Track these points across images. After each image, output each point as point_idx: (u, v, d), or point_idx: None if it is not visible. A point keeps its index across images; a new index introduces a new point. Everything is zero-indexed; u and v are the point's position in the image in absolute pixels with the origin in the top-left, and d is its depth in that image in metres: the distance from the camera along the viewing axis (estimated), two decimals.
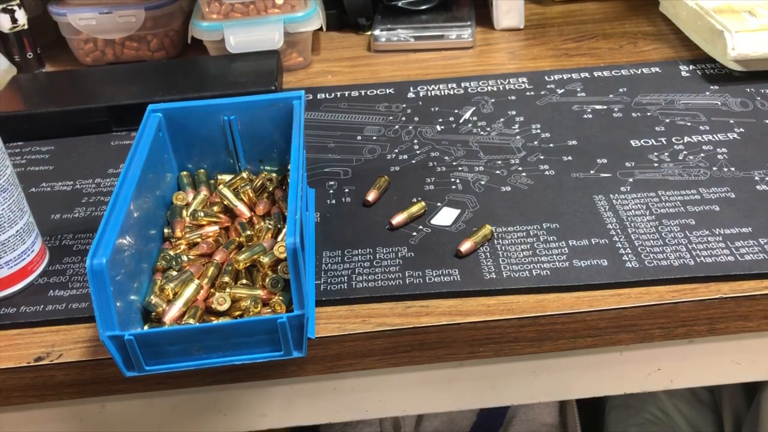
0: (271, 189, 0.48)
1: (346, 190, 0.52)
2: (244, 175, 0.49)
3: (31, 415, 0.46)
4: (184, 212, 0.46)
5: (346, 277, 0.44)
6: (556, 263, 0.43)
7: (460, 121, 0.60)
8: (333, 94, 0.65)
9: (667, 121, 0.57)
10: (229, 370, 0.42)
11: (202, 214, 0.46)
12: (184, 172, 0.49)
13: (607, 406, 0.89)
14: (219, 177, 0.50)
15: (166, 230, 0.45)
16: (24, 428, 0.46)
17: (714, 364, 0.47)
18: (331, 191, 0.52)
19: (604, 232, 0.46)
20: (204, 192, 0.48)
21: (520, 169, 0.53)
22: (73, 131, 0.62)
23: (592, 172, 0.52)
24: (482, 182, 0.52)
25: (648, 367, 0.46)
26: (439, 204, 0.50)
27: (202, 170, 0.50)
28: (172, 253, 0.43)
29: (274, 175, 0.49)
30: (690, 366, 0.47)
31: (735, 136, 0.55)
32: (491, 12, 0.76)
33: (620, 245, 0.44)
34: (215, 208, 0.47)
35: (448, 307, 0.42)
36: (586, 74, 0.65)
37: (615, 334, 0.42)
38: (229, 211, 0.47)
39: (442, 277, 0.43)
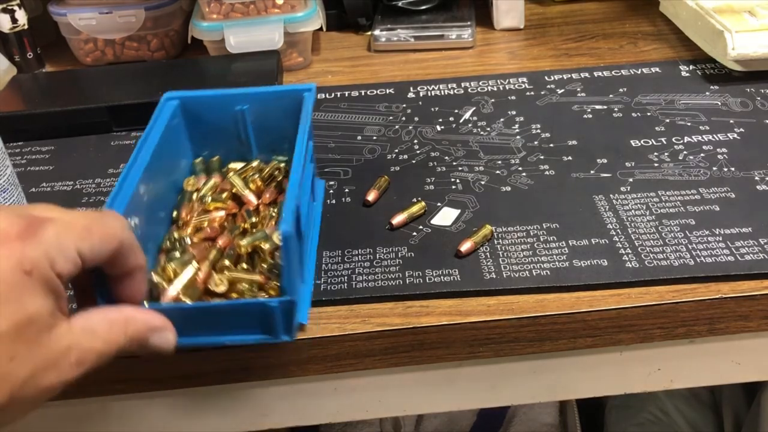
0: (279, 179, 0.48)
1: (346, 190, 0.52)
2: (255, 164, 0.50)
3: (31, 415, 0.45)
4: (194, 197, 0.47)
5: (346, 277, 0.44)
6: (556, 263, 0.43)
7: (460, 121, 0.60)
8: (333, 94, 0.65)
9: (667, 121, 0.57)
10: (229, 370, 0.42)
11: (209, 200, 0.47)
12: (199, 159, 0.51)
13: (607, 406, 0.89)
14: (231, 165, 0.51)
15: (175, 213, 0.47)
16: (24, 428, 0.46)
17: (714, 364, 0.47)
18: (331, 191, 0.52)
19: (604, 232, 0.46)
20: (215, 179, 0.49)
21: (520, 169, 0.53)
22: (73, 131, 0.62)
23: (592, 172, 0.52)
24: (482, 182, 0.52)
25: (648, 367, 0.46)
26: (439, 204, 0.50)
27: (215, 158, 0.51)
28: (176, 235, 0.44)
29: (283, 165, 0.49)
30: (690, 366, 0.47)
31: (735, 136, 0.55)
32: (491, 12, 0.76)
33: (620, 245, 0.44)
34: (224, 195, 0.48)
35: (448, 307, 0.42)
36: (586, 74, 0.65)
37: (615, 334, 0.42)
38: (238, 199, 0.48)
39: (442, 277, 0.43)
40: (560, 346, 0.42)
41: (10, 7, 0.69)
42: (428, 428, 0.91)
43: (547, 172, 0.52)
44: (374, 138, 0.58)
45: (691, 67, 0.65)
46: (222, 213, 0.46)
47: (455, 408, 0.48)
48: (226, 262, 0.42)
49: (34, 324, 0.28)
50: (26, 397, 0.29)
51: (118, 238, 0.32)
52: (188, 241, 0.44)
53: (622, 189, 0.50)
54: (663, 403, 0.86)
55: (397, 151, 0.56)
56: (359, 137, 0.59)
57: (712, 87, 0.62)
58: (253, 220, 0.45)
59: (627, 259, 0.43)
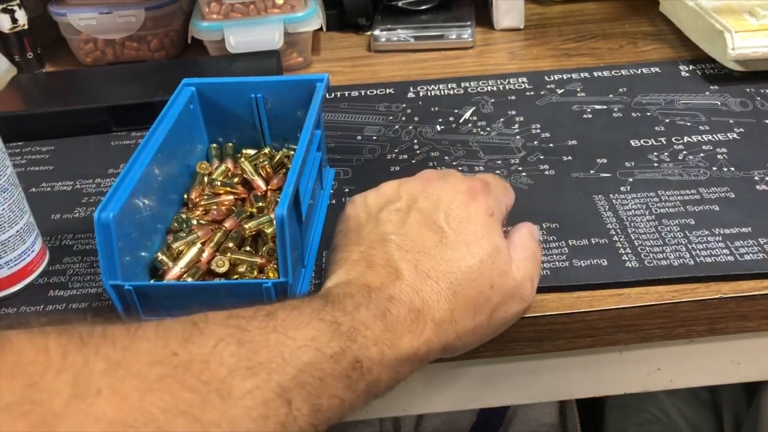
0: (289, 166, 0.49)
1: (346, 190, 0.52)
2: (266, 150, 0.51)
3: None
4: (205, 180, 0.49)
5: None
6: (556, 263, 0.43)
7: (460, 121, 0.60)
8: (333, 94, 0.65)
9: (667, 121, 0.57)
10: None
11: (219, 183, 0.48)
12: (214, 145, 0.52)
13: (607, 406, 0.89)
14: (244, 151, 0.52)
15: (186, 196, 0.48)
16: None
17: (714, 364, 0.47)
18: (331, 191, 0.52)
19: (604, 232, 0.46)
20: (227, 164, 0.51)
21: (520, 169, 0.53)
22: (73, 131, 0.62)
23: (592, 172, 0.52)
24: None
25: (648, 367, 0.46)
26: None
27: (230, 144, 0.52)
28: (184, 216, 0.46)
29: (292, 153, 0.50)
30: (690, 366, 0.47)
31: (735, 136, 0.55)
32: (491, 12, 0.76)
33: (620, 245, 0.44)
34: (235, 180, 0.49)
35: None
36: (586, 74, 0.65)
37: (615, 334, 0.42)
38: (248, 184, 0.49)
39: None
40: (560, 346, 0.42)
41: (10, 7, 0.69)
42: (428, 428, 0.91)
43: (547, 172, 0.52)
44: (374, 138, 0.58)
45: (691, 67, 0.65)
46: (231, 197, 0.48)
47: (455, 408, 0.48)
48: (230, 244, 0.44)
49: (501, 254, 0.36)
50: (497, 322, 0.36)
51: (513, 195, 0.42)
52: (194, 222, 0.45)
53: (622, 189, 0.50)
54: (663, 403, 0.86)
55: (397, 151, 0.56)
56: (359, 137, 0.59)
57: (711, 87, 0.62)
58: (260, 204, 0.47)
59: (627, 258, 0.43)
